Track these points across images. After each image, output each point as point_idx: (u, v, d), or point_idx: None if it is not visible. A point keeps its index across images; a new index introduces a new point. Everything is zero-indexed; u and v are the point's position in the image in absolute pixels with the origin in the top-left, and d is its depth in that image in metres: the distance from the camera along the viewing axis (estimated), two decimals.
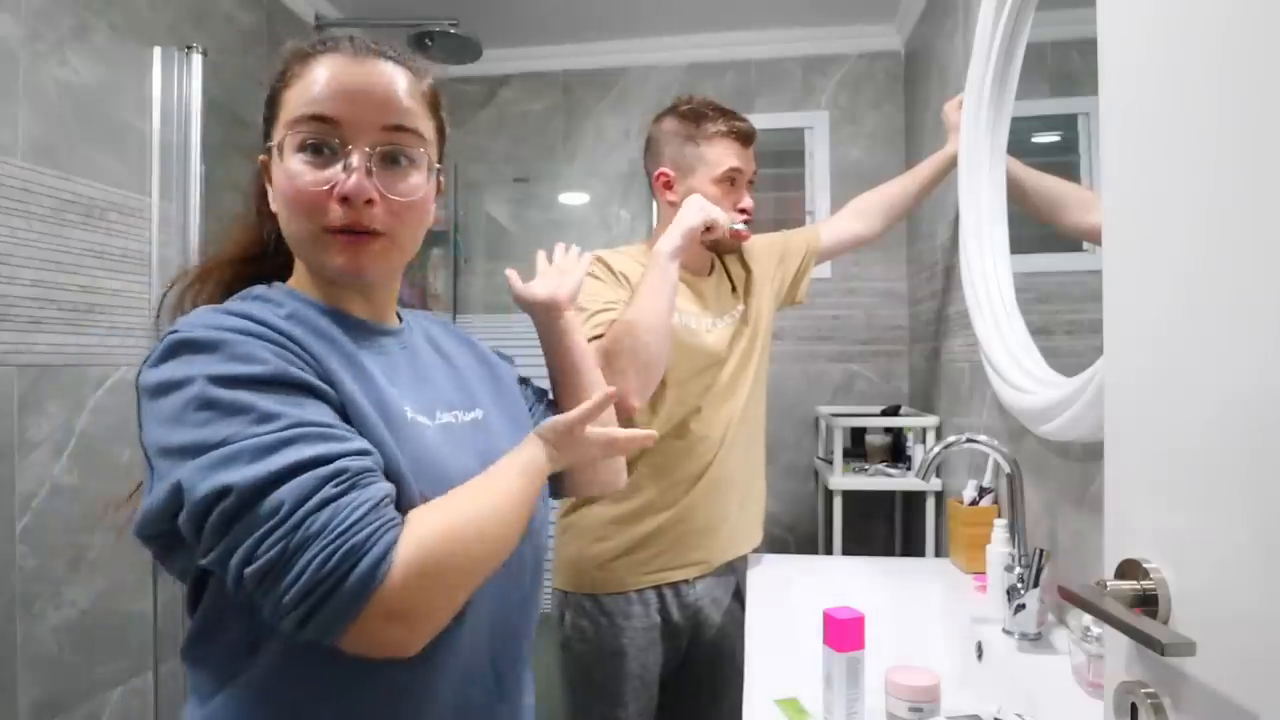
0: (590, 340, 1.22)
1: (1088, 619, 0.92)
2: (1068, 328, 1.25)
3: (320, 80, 0.64)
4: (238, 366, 0.56)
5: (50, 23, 1.46)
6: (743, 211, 1.38)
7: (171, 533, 0.57)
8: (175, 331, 0.58)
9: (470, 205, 2.75)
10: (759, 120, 2.65)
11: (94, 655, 1.54)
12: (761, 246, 1.57)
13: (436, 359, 0.78)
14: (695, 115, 1.38)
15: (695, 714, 1.44)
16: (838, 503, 2.09)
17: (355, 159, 0.64)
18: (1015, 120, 1.42)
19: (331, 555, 0.52)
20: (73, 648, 1.49)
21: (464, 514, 0.60)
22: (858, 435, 2.32)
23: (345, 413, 0.61)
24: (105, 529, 1.56)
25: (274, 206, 0.68)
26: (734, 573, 1.45)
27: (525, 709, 0.76)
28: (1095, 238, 1.11)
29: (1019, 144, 1.42)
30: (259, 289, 0.68)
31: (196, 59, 1.73)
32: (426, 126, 0.69)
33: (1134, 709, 0.52)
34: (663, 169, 1.41)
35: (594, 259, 1.36)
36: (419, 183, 0.68)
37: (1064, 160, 1.34)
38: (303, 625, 0.53)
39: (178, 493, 0.54)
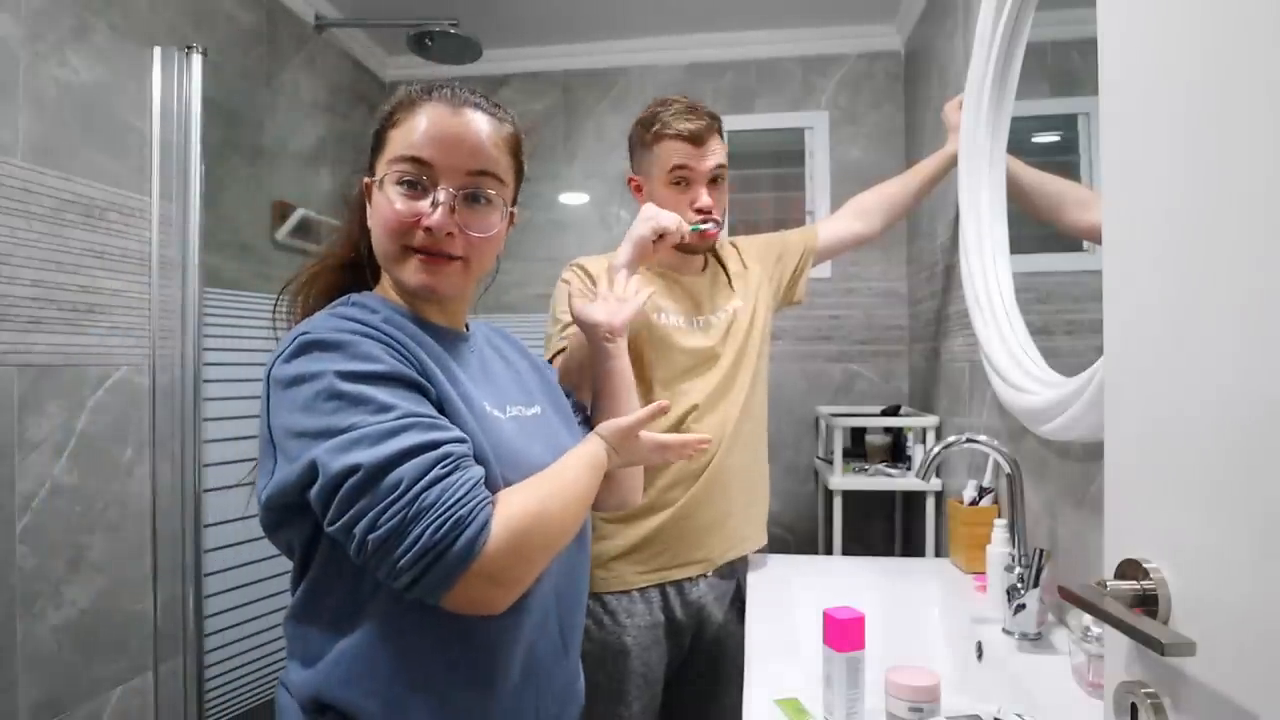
0: (556, 354, 1.25)
1: (1088, 619, 0.92)
2: (1068, 328, 1.25)
3: (420, 128, 0.76)
4: (359, 364, 0.67)
5: (50, 23, 1.46)
6: (700, 211, 1.34)
7: (291, 506, 0.68)
8: (306, 333, 0.69)
9: None
10: (759, 120, 2.68)
11: (94, 655, 1.54)
12: (760, 245, 1.57)
13: (499, 361, 0.89)
14: (649, 118, 1.37)
15: (698, 711, 1.44)
16: (838, 503, 2.09)
17: (442, 196, 0.75)
18: (1015, 120, 1.42)
19: (441, 526, 0.62)
20: (73, 648, 1.49)
21: (544, 497, 0.71)
22: (858, 435, 2.32)
23: (440, 406, 0.71)
24: (105, 528, 1.56)
25: (370, 224, 0.79)
26: (736, 573, 1.45)
27: (576, 663, 0.88)
28: (1095, 236, 1.12)
29: (1019, 144, 1.42)
30: (355, 296, 0.79)
31: (196, 59, 1.73)
32: (506, 170, 0.81)
33: (1134, 709, 0.52)
34: (632, 175, 1.43)
35: (572, 265, 1.39)
36: (494, 220, 0.80)
37: (1064, 160, 1.34)
38: (414, 585, 0.63)
39: (313, 469, 0.64)
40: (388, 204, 0.75)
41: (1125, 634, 0.49)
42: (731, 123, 2.68)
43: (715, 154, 1.36)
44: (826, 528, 2.40)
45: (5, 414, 1.37)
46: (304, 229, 2.26)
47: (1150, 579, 0.52)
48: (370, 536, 0.62)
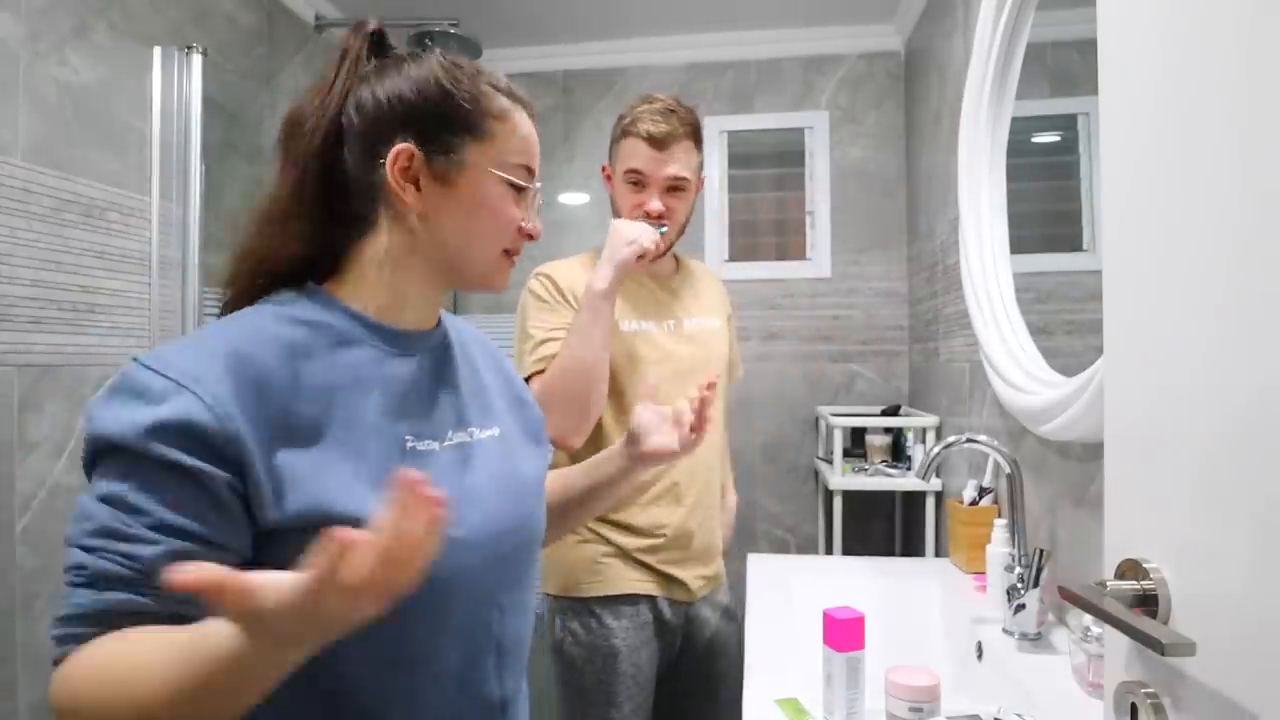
0: (531, 376, 1.23)
1: (1088, 619, 0.92)
2: (1068, 328, 1.25)
3: (530, 137, 0.73)
4: (149, 434, 0.54)
5: (50, 23, 1.46)
6: (648, 215, 1.30)
7: None
8: (134, 360, 0.58)
9: None
10: (759, 120, 2.68)
11: None
12: (724, 296, 1.53)
13: (464, 369, 0.77)
14: (625, 111, 1.35)
15: (691, 712, 1.44)
16: (838, 503, 2.09)
17: (538, 201, 0.75)
18: (1015, 120, 1.42)
19: (55, 619, 0.55)
20: None
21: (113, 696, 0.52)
22: (858, 435, 2.32)
23: (305, 462, 0.59)
24: None
25: (439, 208, 0.68)
26: (724, 577, 1.44)
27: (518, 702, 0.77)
28: None
29: (1019, 144, 1.43)
30: (304, 302, 0.67)
31: (196, 59, 1.73)
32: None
33: (1134, 709, 0.52)
34: (605, 163, 1.41)
35: (538, 274, 1.33)
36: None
37: (1064, 160, 1.34)
38: None
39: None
40: (502, 202, 0.70)
41: (1125, 634, 0.49)
42: (731, 123, 2.69)
43: (677, 162, 1.30)
44: (826, 528, 2.40)
45: (5, 414, 1.37)
46: None
47: (1150, 579, 0.52)
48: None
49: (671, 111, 1.31)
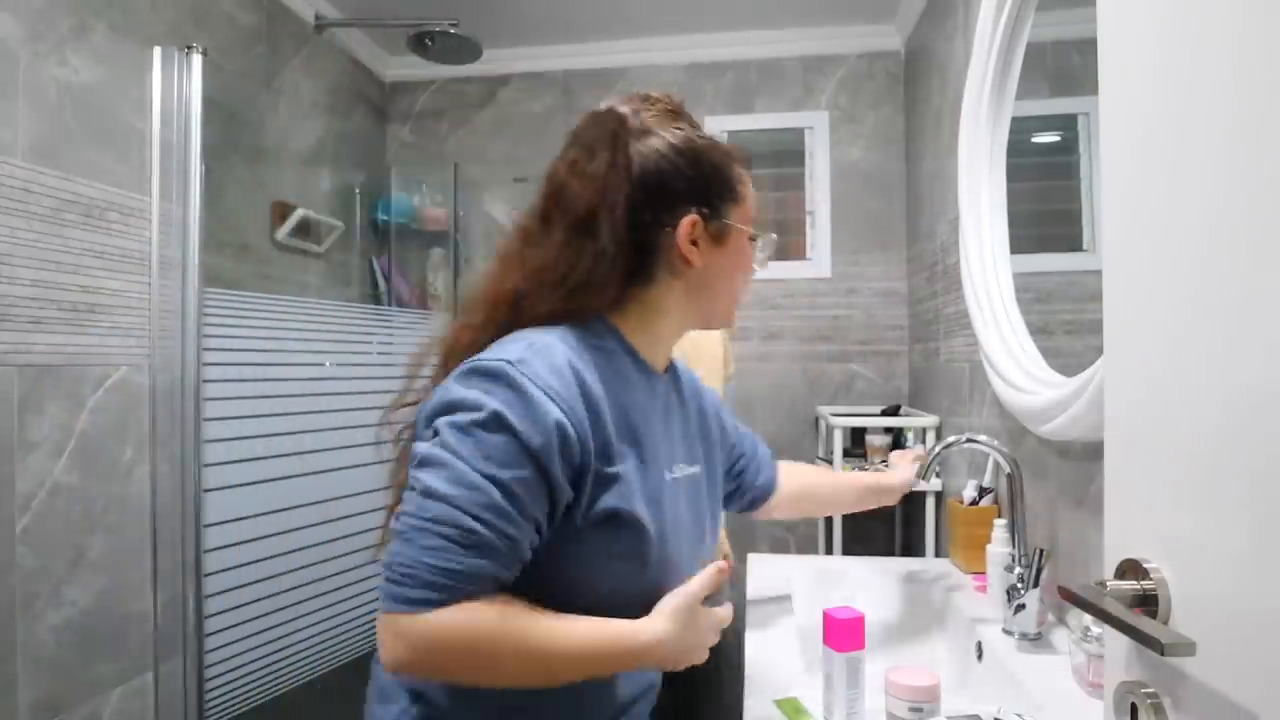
0: None
1: (1088, 619, 0.92)
2: (1068, 328, 1.25)
3: (752, 190, 0.86)
4: (521, 423, 0.67)
5: (50, 23, 1.46)
6: None
7: None
8: (510, 364, 0.69)
9: (470, 205, 2.75)
10: (759, 120, 2.68)
11: (94, 655, 1.54)
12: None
13: (679, 408, 0.88)
14: (628, 115, 1.36)
15: (690, 706, 1.45)
16: None
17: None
18: (1015, 120, 1.42)
19: (410, 569, 0.65)
20: (73, 648, 1.49)
21: (495, 647, 0.66)
22: (858, 435, 2.32)
23: (608, 480, 0.71)
24: (105, 528, 1.56)
25: (707, 268, 0.80)
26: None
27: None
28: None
29: (1019, 144, 1.42)
30: (595, 323, 0.78)
31: (196, 59, 1.72)
32: None
33: (1134, 709, 0.52)
34: None
35: None
36: None
37: (1064, 160, 1.34)
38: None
39: (414, 458, 0.69)
40: (749, 256, 0.85)
41: (1125, 634, 0.49)
42: (731, 123, 2.69)
43: None
44: (826, 528, 2.40)
45: (5, 414, 1.37)
46: (304, 229, 2.26)
47: (1150, 579, 0.52)
48: (392, 526, 0.68)
49: (676, 113, 1.31)
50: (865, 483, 1.27)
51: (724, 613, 0.78)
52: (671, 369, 0.88)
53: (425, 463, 0.67)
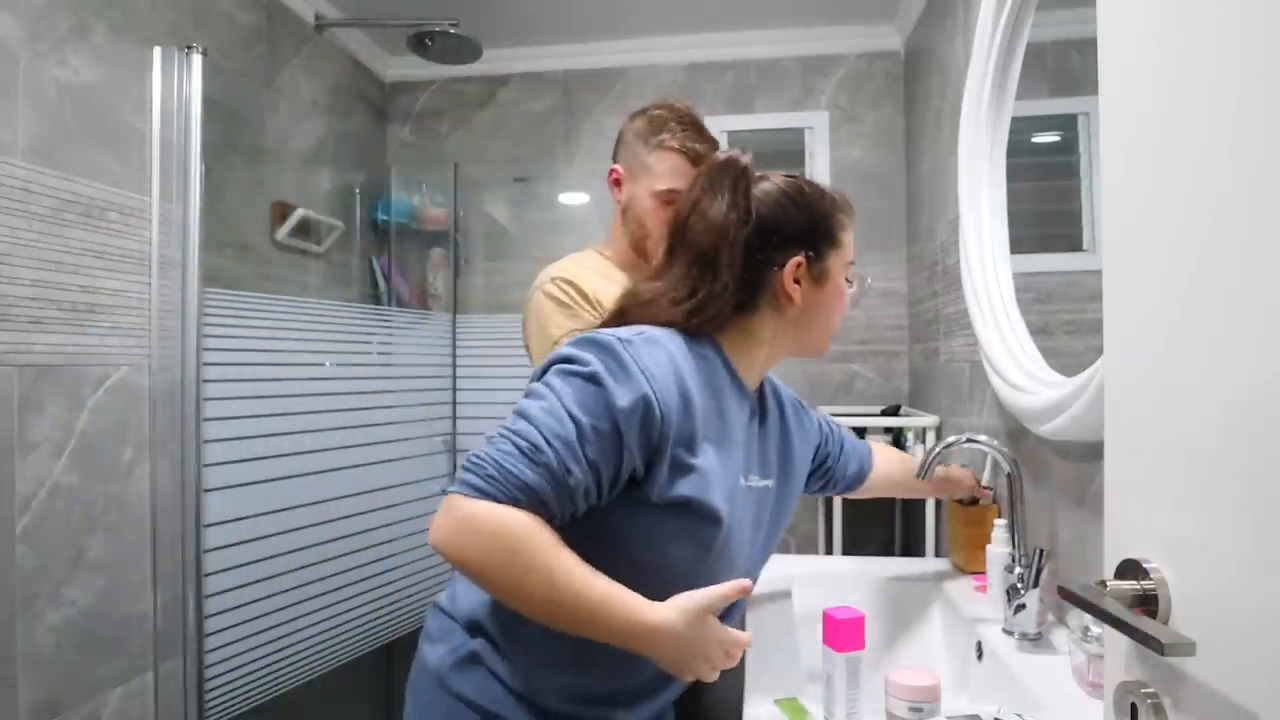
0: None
1: (1088, 619, 0.92)
2: (1068, 328, 1.25)
3: (852, 238, 0.92)
4: (615, 386, 0.75)
5: (50, 23, 1.46)
6: None
7: None
8: (618, 339, 0.78)
9: (470, 205, 2.75)
10: (759, 120, 2.68)
11: (94, 655, 1.54)
12: None
13: (766, 427, 0.95)
14: (659, 122, 1.32)
15: (687, 702, 1.46)
16: (838, 503, 2.09)
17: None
18: (1015, 120, 1.42)
19: (482, 459, 0.74)
20: (73, 648, 1.49)
21: (525, 568, 0.72)
22: (858, 435, 2.31)
23: (687, 469, 0.78)
24: (105, 528, 1.56)
25: (807, 305, 0.88)
26: None
27: None
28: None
29: (1019, 144, 1.42)
30: (705, 341, 0.86)
31: (196, 59, 1.72)
32: None
33: (1134, 709, 0.52)
34: (615, 165, 1.38)
35: (555, 280, 1.28)
36: None
37: (1064, 160, 1.34)
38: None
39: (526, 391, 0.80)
40: (844, 297, 0.91)
41: (1125, 634, 0.49)
42: (731, 123, 2.69)
43: None
44: (826, 527, 2.40)
45: (5, 414, 1.37)
46: (304, 229, 2.26)
47: (1150, 579, 0.52)
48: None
49: (701, 127, 1.35)
50: (939, 473, 1.38)
51: (741, 636, 0.78)
52: (765, 388, 0.96)
53: (529, 394, 0.78)
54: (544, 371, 0.80)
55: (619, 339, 0.78)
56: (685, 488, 0.78)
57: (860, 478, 1.25)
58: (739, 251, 0.84)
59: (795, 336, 0.90)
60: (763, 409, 0.95)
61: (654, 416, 0.75)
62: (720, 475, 0.81)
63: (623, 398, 0.74)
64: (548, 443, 0.73)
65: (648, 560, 0.79)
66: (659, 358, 0.78)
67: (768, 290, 0.87)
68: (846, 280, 0.91)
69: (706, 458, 0.80)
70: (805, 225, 0.87)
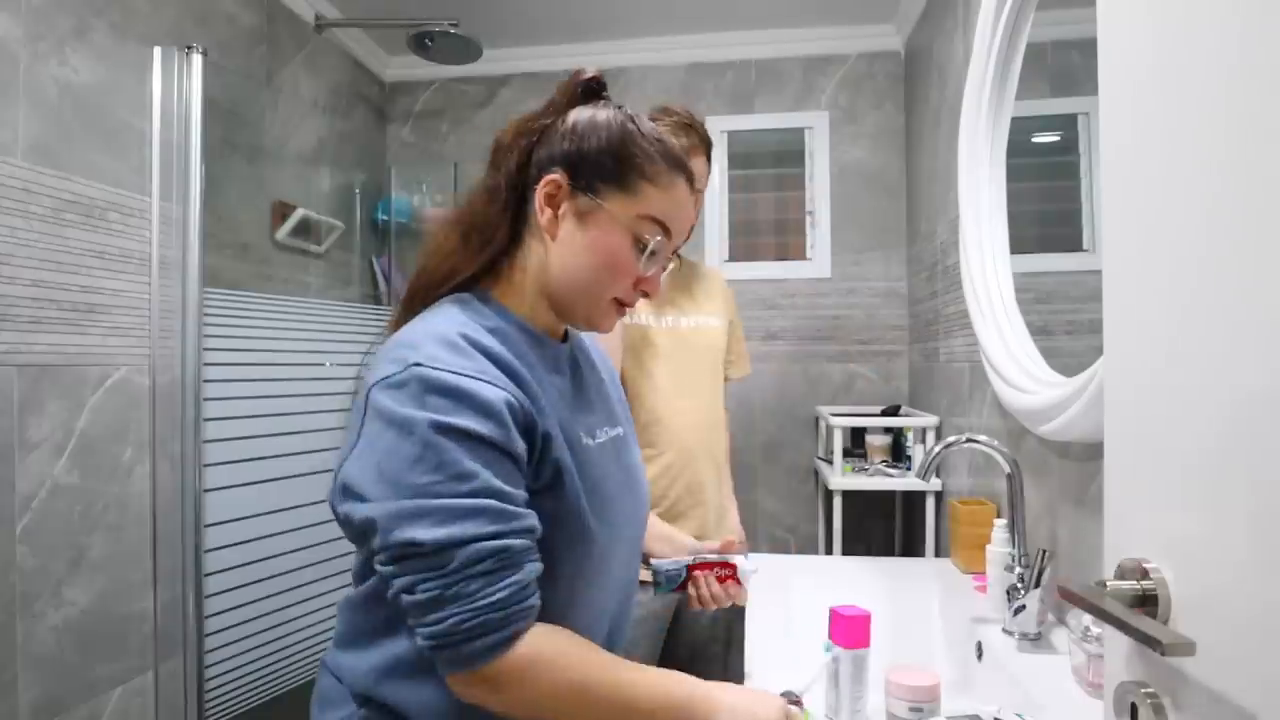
0: None
1: (1088, 619, 0.92)
2: (1068, 328, 1.25)
3: (678, 201, 0.77)
4: (463, 420, 0.65)
5: (50, 23, 1.46)
6: None
7: None
8: (419, 364, 0.66)
9: None
10: (759, 120, 2.68)
11: (94, 655, 1.54)
12: (727, 295, 1.57)
13: (590, 373, 0.86)
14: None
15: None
16: (838, 503, 2.09)
17: (664, 264, 0.78)
18: (1015, 120, 1.42)
19: (470, 619, 0.63)
20: (73, 648, 1.49)
21: (587, 687, 0.67)
22: (858, 435, 2.32)
23: (544, 447, 0.71)
24: (105, 528, 1.56)
25: (562, 244, 0.75)
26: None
27: None
28: None
29: (1019, 144, 1.42)
30: (467, 298, 0.77)
31: (196, 59, 1.72)
32: None
33: (1134, 709, 0.52)
34: None
35: None
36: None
37: (1064, 160, 1.34)
38: (430, 652, 0.65)
39: (372, 524, 0.65)
40: (624, 253, 0.75)
41: (1125, 634, 0.49)
42: (731, 123, 2.69)
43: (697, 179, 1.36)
44: (826, 528, 2.40)
45: (5, 414, 1.37)
46: (304, 229, 2.26)
47: (1150, 579, 0.52)
48: (405, 598, 0.64)
49: (689, 126, 1.35)
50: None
51: (796, 713, 0.75)
52: (570, 335, 0.85)
53: (403, 516, 0.64)
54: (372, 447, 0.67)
55: (418, 365, 0.66)
56: (547, 471, 0.71)
57: None
58: (521, 152, 0.76)
59: (555, 286, 0.76)
60: (582, 356, 0.86)
61: (516, 410, 0.68)
62: (562, 442, 0.73)
63: (487, 423, 0.65)
64: (494, 537, 0.64)
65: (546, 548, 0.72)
66: (463, 349, 0.69)
67: (531, 216, 0.76)
68: (637, 243, 0.75)
69: (550, 428, 0.72)
70: (583, 148, 0.75)
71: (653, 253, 0.76)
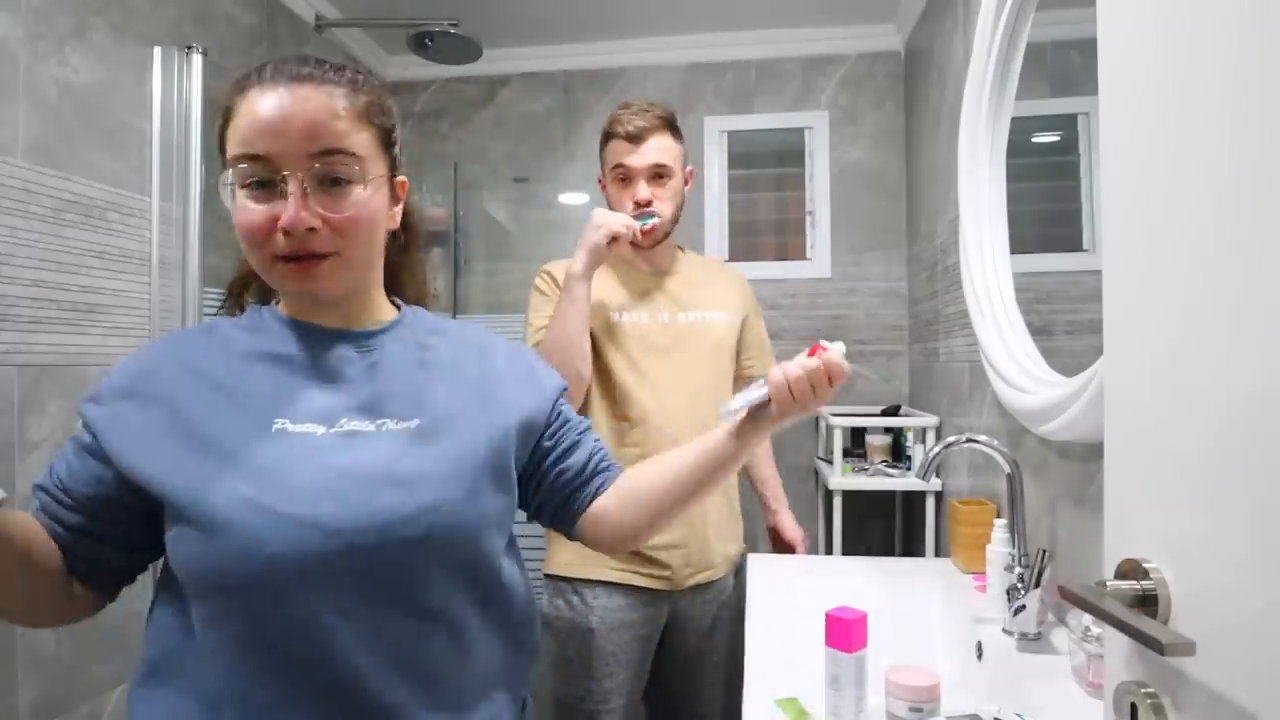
0: None
1: (1088, 619, 0.92)
2: (1068, 328, 1.25)
3: (246, 119, 0.68)
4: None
5: (50, 23, 1.46)
6: (638, 204, 1.38)
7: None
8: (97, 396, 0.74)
9: (470, 205, 2.75)
10: (759, 120, 2.68)
11: (94, 655, 1.54)
12: (743, 291, 1.56)
13: (405, 366, 0.76)
14: (609, 122, 1.44)
15: (678, 694, 1.47)
16: (838, 503, 2.09)
17: (291, 188, 0.67)
18: (1015, 120, 1.42)
19: None
20: (73, 648, 1.49)
21: None
22: (858, 435, 2.32)
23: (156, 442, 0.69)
24: None
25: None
26: (725, 567, 1.46)
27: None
28: None
29: (1019, 144, 1.42)
30: (258, 307, 0.78)
31: (196, 59, 1.72)
32: (360, 141, 0.71)
33: (1134, 709, 0.52)
34: (599, 175, 1.49)
35: (541, 272, 1.43)
36: (361, 198, 0.70)
37: (1064, 160, 1.34)
38: None
39: None
40: (239, 212, 0.68)
41: (1125, 634, 0.49)
42: (731, 123, 2.69)
43: (655, 151, 1.39)
44: (826, 528, 2.40)
45: (5, 414, 1.37)
46: None
47: (1150, 579, 0.52)
48: None
49: (645, 109, 1.40)
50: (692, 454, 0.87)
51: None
52: (396, 323, 0.79)
53: None
54: None
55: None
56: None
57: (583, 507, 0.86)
58: None
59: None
60: (394, 345, 0.77)
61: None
62: (174, 436, 0.68)
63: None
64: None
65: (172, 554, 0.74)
66: (126, 366, 0.72)
67: None
68: (247, 186, 0.69)
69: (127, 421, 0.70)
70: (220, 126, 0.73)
71: (258, 184, 0.67)
